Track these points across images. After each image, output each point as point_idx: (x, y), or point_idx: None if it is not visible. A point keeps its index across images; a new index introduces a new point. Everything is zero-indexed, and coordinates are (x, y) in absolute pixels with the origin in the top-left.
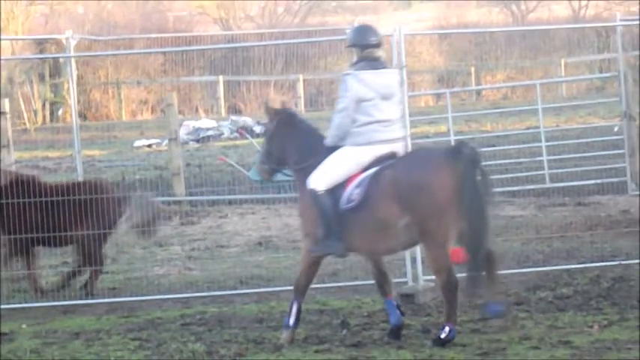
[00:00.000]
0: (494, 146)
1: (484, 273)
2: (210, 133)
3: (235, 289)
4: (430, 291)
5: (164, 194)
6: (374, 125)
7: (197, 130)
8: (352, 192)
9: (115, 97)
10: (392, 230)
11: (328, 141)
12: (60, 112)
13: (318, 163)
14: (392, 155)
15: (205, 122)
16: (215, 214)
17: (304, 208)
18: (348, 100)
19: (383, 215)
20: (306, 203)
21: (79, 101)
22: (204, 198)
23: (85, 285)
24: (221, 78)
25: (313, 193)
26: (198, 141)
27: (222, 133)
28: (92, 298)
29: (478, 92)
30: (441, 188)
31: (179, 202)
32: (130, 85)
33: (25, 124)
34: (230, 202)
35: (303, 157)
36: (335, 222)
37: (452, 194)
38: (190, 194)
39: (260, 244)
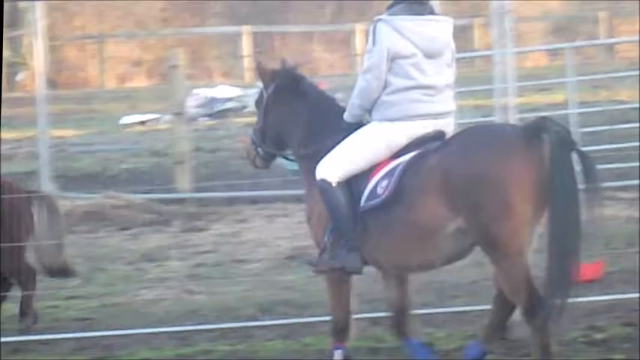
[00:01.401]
0: (634, 122)
1: (568, 300)
2: (229, 105)
3: (255, 319)
4: None
5: (162, 189)
6: (414, 92)
7: (211, 101)
8: (379, 184)
9: (96, 57)
10: (434, 237)
11: (348, 114)
12: (19, 77)
13: (333, 145)
14: (437, 135)
15: (223, 90)
16: (231, 216)
17: (313, 209)
18: (377, 55)
19: (423, 217)
20: (315, 201)
21: (46, 62)
22: (218, 195)
23: (22, 313)
24: (246, 29)
25: (323, 185)
26: (211, 116)
27: (246, 106)
28: (53, 332)
29: (610, 47)
30: (515, 180)
31: (181, 201)
32: (117, 39)
33: None
34: (254, 201)
35: (312, 138)
36: (350, 225)
37: (530, 188)
38: (199, 189)
39: (292, 257)
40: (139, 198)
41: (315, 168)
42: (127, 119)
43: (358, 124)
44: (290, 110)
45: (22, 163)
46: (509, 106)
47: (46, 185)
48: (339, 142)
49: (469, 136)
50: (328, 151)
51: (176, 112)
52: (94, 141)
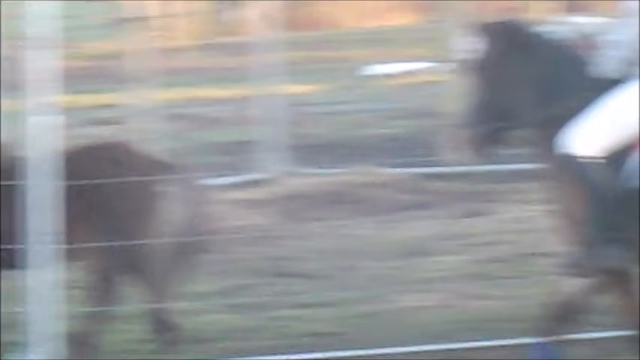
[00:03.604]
0: None
1: None
2: None
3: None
4: None
5: (425, 162)
6: None
7: None
8: None
9: None
10: None
11: (605, 69)
12: (227, 16)
13: (579, 108)
14: None
15: None
16: (522, 196)
17: (558, 192)
18: None
19: None
20: (562, 182)
21: None
22: (504, 168)
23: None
24: None
25: (575, 161)
26: None
27: None
28: (287, 351)
29: None
30: None
31: (455, 176)
32: None
33: (172, 39)
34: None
35: (552, 103)
36: (613, 212)
37: None
38: (478, 161)
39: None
40: (396, 173)
41: (553, 137)
42: (374, 69)
43: (614, 82)
44: (520, 73)
45: (236, 129)
46: None
47: (272, 158)
48: (588, 105)
49: None
50: (572, 115)
51: (450, 60)
52: (334, 99)
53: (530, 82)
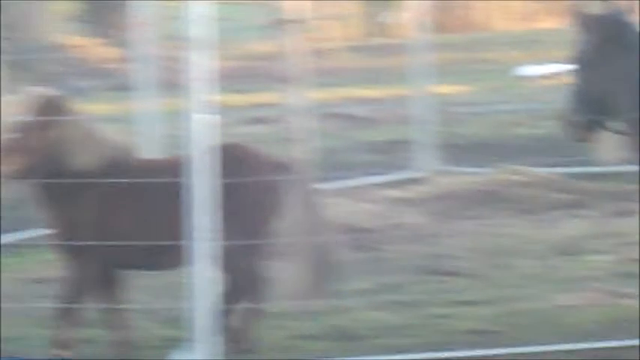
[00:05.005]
0: None
1: None
2: None
3: None
4: None
5: (577, 161)
6: None
7: None
8: None
9: None
10: None
11: None
12: (386, 18)
13: None
14: None
15: None
16: None
17: None
18: None
19: None
20: None
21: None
22: None
23: (236, 335)
24: None
25: None
26: None
27: None
28: (441, 348)
29: None
30: None
31: (605, 176)
32: None
33: (326, 40)
34: None
35: None
36: None
37: None
38: (627, 161)
39: None
40: (546, 172)
41: None
42: (525, 70)
43: None
44: (617, 66)
45: (389, 128)
46: None
47: (424, 157)
48: None
49: None
50: None
51: None
52: (485, 99)
53: (626, 76)
